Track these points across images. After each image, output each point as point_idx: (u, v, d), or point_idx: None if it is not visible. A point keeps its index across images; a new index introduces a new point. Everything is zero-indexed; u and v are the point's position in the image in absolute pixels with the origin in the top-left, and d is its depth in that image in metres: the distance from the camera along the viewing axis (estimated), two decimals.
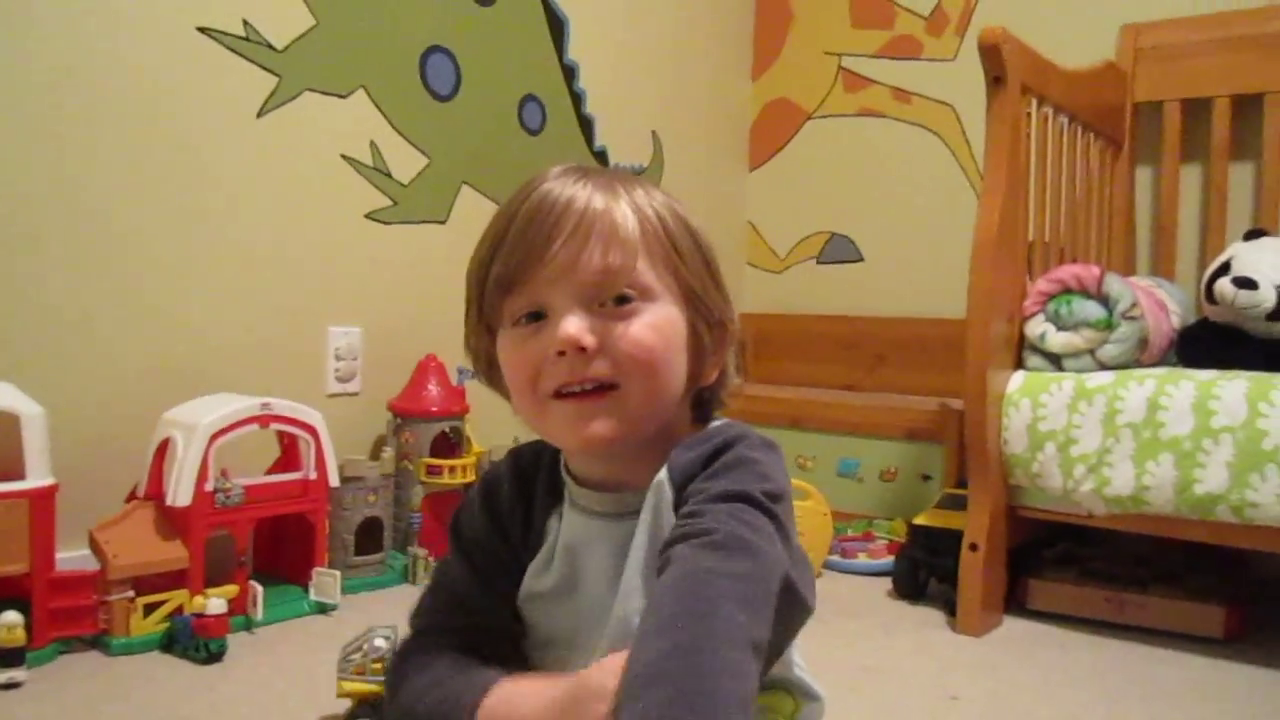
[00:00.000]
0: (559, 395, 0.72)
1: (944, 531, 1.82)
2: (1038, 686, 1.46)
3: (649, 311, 0.72)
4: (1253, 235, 1.89)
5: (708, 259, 0.78)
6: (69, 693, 1.33)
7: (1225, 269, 1.82)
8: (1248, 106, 2.17)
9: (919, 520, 1.90)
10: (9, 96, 1.56)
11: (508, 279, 0.73)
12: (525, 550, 0.82)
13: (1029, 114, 1.83)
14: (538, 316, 0.73)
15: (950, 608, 1.75)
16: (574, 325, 0.70)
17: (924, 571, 1.88)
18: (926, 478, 2.28)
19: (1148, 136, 2.30)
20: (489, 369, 0.80)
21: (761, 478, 0.70)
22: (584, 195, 0.72)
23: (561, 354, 0.71)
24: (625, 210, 0.73)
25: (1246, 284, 1.76)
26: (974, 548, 1.70)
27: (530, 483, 0.83)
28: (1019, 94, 1.75)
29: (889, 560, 1.98)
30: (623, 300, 0.72)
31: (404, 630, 0.87)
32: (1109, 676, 1.51)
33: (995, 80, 1.73)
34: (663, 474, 0.74)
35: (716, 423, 0.81)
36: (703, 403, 0.81)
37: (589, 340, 0.70)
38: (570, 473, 0.81)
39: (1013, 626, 1.74)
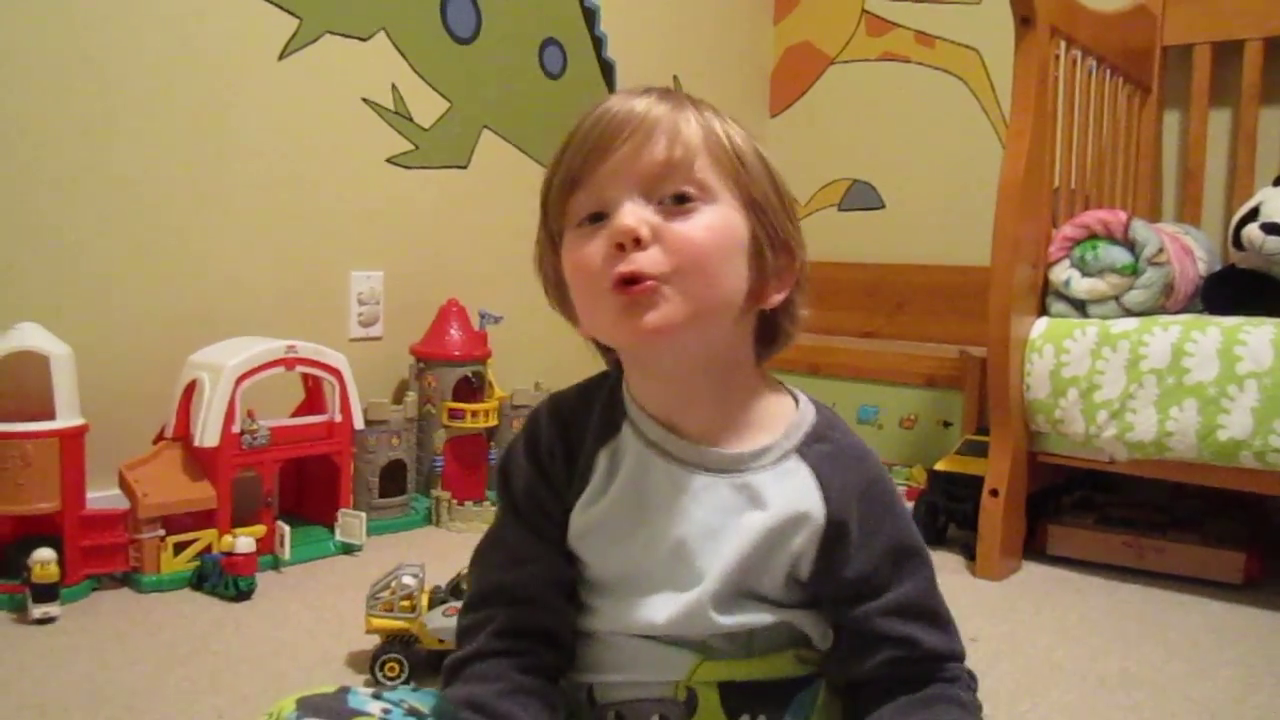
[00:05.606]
0: (614, 289, 0.72)
1: (964, 477, 1.83)
2: (1056, 630, 1.47)
3: (709, 212, 0.73)
4: None
5: (776, 180, 0.78)
6: (102, 627, 1.36)
7: (1254, 215, 1.80)
8: None
9: (940, 466, 1.90)
10: (31, 42, 1.56)
11: (571, 178, 0.74)
12: (569, 490, 0.81)
13: (1057, 56, 1.80)
14: (599, 218, 0.74)
15: (969, 552, 1.76)
16: (631, 216, 0.71)
17: (943, 516, 1.89)
18: (946, 424, 2.29)
19: (1177, 80, 2.26)
20: (559, 289, 0.80)
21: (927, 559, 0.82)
22: (648, 103, 0.75)
23: (620, 247, 0.71)
24: (689, 115, 0.75)
25: (1275, 230, 1.74)
26: (994, 493, 1.71)
27: (573, 424, 0.83)
28: (1048, 36, 1.73)
29: (908, 506, 1.99)
30: (682, 199, 0.73)
31: (433, 569, 0.88)
32: (1127, 621, 1.52)
33: (1024, 21, 1.70)
34: (810, 483, 0.78)
35: (803, 401, 0.84)
36: (767, 333, 0.82)
37: (645, 231, 0.71)
38: (636, 404, 0.81)
39: (1031, 571, 1.75)
